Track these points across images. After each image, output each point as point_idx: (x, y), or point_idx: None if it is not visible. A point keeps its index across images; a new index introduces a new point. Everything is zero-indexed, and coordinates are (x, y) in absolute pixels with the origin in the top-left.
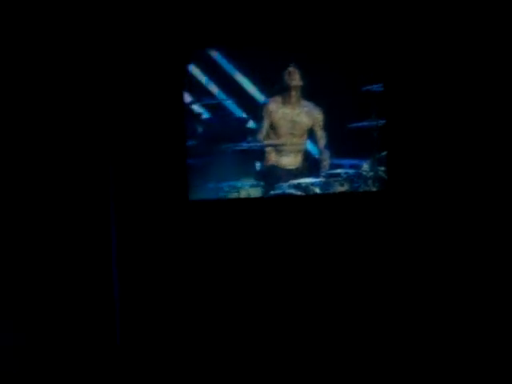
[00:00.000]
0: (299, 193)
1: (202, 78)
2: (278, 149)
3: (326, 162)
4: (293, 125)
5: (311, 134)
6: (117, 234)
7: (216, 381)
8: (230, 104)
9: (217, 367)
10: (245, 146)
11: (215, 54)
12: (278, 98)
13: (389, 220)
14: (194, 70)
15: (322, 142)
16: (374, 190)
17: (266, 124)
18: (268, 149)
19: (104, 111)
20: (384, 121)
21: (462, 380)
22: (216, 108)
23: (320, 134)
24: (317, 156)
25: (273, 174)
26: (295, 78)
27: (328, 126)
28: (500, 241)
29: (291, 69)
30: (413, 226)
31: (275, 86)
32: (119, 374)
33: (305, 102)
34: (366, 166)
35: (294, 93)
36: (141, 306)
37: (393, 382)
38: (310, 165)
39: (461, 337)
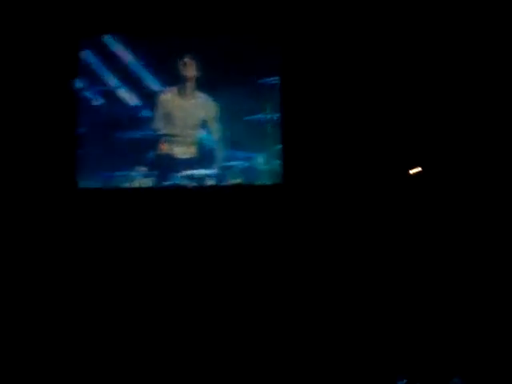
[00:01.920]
0: (193, 184)
1: (96, 65)
2: (172, 139)
3: (221, 154)
4: (187, 115)
5: (206, 126)
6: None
7: None
8: (124, 92)
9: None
10: (138, 134)
11: (110, 41)
12: (174, 89)
13: (284, 213)
14: (87, 56)
15: (217, 134)
16: (269, 183)
17: (159, 114)
18: (161, 139)
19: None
20: (279, 114)
21: None
22: (109, 95)
23: (215, 126)
24: (211, 147)
25: (166, 164)
26: (190, 69)
27: (223, 119)
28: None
29: (187, 59)
30: (308, 220)
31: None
32: None
33: (200, 94)
34: (261, 159)
35: (189, 84)
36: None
37: None
38: (205, 156)
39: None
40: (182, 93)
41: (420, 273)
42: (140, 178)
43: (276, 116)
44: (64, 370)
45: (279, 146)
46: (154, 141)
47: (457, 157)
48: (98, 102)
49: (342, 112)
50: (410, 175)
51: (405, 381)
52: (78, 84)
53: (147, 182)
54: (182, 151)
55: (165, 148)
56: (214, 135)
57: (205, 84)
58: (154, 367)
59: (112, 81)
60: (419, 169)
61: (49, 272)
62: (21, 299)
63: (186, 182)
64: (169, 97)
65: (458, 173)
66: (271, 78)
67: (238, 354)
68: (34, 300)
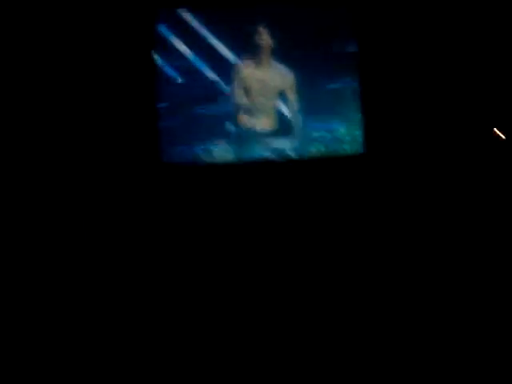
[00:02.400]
0: (274, 157)
1: (173, 40)
2: (251, 111)
3: (300, 125)
4: (264, 87)
5: (284, 96)
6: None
7: None
8: (202, 66)
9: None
10: (216, 108)
11: (186, 15)
12: (250, 61)
13: (367, 184)
14: (164, 31)
15: (296, 104)
16: (351, 153)
17: (237, 86)
18: (240, 111)
19: (77, 73)
20: (358, 82)
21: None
22: (188, 70)
23: (293, 96)
24: (291, 118)
25: (245, 137)
26: (265, 38)
27: (301, 89)
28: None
29: (261, 29)
30: (391, 190)
31: (247, 48)
32: None
33: (277, 64)
34: (341, 129)
35: (264, 54)
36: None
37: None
38: (284, 127)
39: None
40: (257, 64)
41: None
42: (220, 152)
43: (355, 84)
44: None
45: (360, 115)
46: (233, 114)
47: None
48: (175, 76)
49: (423, 78)
50: (497, 139)
51: None
52: (157, 59)
53: (227, 156)
54: (261, 123)
55: (244, 121)
56: (292, 106)
57: (281, 54)
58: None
59: (189, 55)
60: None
61: (129, 245)
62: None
63: (266, 155)
64: (245, 69)
65: None
66: (349, 46)
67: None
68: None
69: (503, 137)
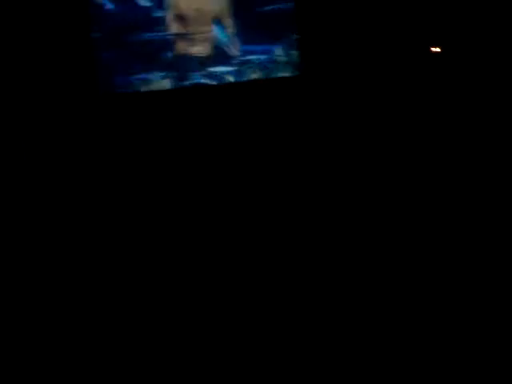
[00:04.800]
0: (213, 82)
1: None
2: (187, 38)
3: (237, 49)
4: (199, 13)
5: (220, 21)
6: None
7: None
8: None
9: None
10: (152, 36)
11: None
12: None
13: (305, 104)
14: None
15: (231, 28)
16: (288, 75)
17: (171, 14)
18: (177, 38)
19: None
20: (293, 3)
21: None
22: None
23: (228, 20)
24: (227, 43)
25: (183, 64)
26: None
27: (237, 12)
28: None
29: None
30: (328, 111)
31: None
32: None
33: None
34: (278, 51)
35: None
36: None
37: None
38: (221, 53)
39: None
40: None
41: None
42: (158, 80)
43: (290, 5)
44: None
45: (296, 36)
46: (169, 41)
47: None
48: (109, 5)
49: None
50: (431, 54)
51: None
52: None
53: (165, 84)
54: (197, 50)
55: (180, 48)
56: (228, 30)
57: None
58: None
59: None
60: (438, 49)
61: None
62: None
63: (204, 81)
64: None
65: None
66: None
67: None
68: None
69: (438, 50)
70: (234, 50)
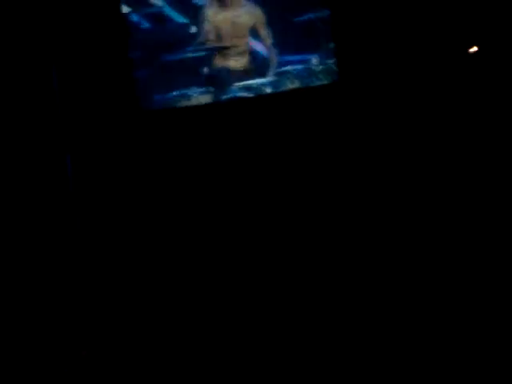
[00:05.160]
0: (251, 95)
1: None
2: (224, 52)
3: (274, 60)
4: (234, 26)
5: (255, 34)
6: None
7: None
8: (169, 10)
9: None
10: (189, 52)
11: None
12: (214, 2)
13: (343, 112)
14: None
15: (268, 40)
16: (326, 83)
17: (205, 29)
18: (213, 53)
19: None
20: (328, 11)
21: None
22: (156, 16)
23: (264, 32)
24: (264, 55)
25: (221, 78)
26: None
27: (271, 23)
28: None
29: None
30: (367, 117)
31: None
32: None
33: (243, 1)
34: (315, 60)
35: None
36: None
37: None
38: (259, 65)
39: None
40: (223, 5)
41: None
42: (197, 96)
43: (326, 13)
44: None
45: (332, 44)
46: (206, 57)
47: None
48: (145, 24)
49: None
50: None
51: None
52: (125, 8)
53: (205, 99)
54: (235, 63)
55: (217, 62)
56: (264, 42)
57: None
58: None
59: (156, 1)
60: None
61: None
62: None
63: (243, 94)
64: (211, 11)
65: None
66: None
67: None
68: None
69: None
70: (271, 61)
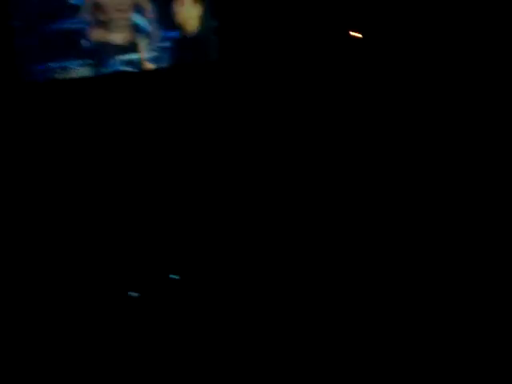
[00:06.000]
0: (132, 69)
1: None
2: (105, 25)
3: (156, 35)
4: (117, 0)
5: (139, 8)
6: None
7: None
8: None
9: None
10: (70, 23)
11: None
12: None
13: (224, 89)
14: None
15: (151, 15)
16: (208, 60)
17: (88, 3)
18: (95, 25)
19: None
20: None
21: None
22: None
23: (148, 7)
24: (147, 30)
25: (102, 52)
26: None
27: None
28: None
29: None
30: (248, 94)
31: None
32: None
33: None
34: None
35: None
36: None
37: None
38: (140, 39)
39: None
40: None
41: None
42: (77, 68)
43: None
44: None
45: (214, 22)
46: (88, 29)
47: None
48: None
49: None
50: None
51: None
52: None
53: (85, 72)
54: (117, 37)
55: (99, 35)
56: (147, 17)
57: None
58: None
59: None
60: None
61: None
62: None
63: (124, 68)
64: None
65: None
66: None
67: None
68: None
69: (359, 36)
70: (154, 36)
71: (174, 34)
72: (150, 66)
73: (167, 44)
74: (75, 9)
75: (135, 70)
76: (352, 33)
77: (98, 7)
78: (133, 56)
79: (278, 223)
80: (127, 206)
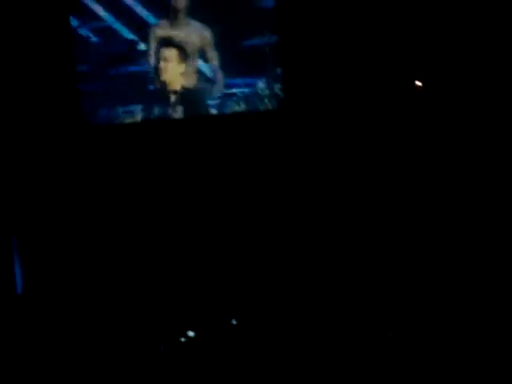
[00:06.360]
0: (196, 114)
1: (90, 2)
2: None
3: (221, 82)
4: (184, 46)
5: (203, 54)
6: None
7: None
8: (119, 26)
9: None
10: (136, 68)
11: None
12: (165, 22)
13: (287, 138)
14: None
15: (215, 61)
16: (271, 108)
17: (154, 48)
18: (160, 71)
19: None
20: (277, 37)
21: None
22: (105, 31)
23: (211, 53)
24: (210, 76)
25: (167, 96)
26: (181, 1)
27: (219, 45)
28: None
29: None
30: (311, 144)
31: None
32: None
33: (193, 22)
34: (261, 85)
35: (180, 14)
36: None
37: None
38: (205, 86)
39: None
40: (174, 24)
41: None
42: (141, 112)
43: (273, 39)
44: None
45: (279, 70)
46: (152, 74)
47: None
48: (94, 38)
49: (341, 30)
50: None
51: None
52: (73, 22)
53: (148, 115)
54: (182, 82)
55: (164, 80)
56: (211, 63)
57: (197, 11)
58: None
59: (106, 16)
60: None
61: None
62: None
63: (188, 113)
64: (161, 31)
65: None
66: (266, 1)
67: None
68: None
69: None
70: (217, 82)
71: (237, 81)
72: (213, 111)
73: (231, 91)
74: (141, 54)
75: (199, 116)
76: (416, 83)
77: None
78: (196, 102)
79: None
80: (193, 251)
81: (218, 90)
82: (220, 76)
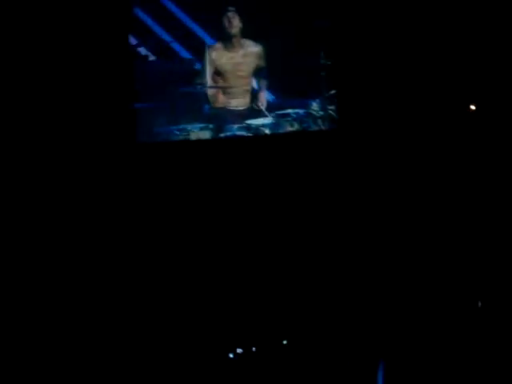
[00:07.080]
0: (249, 134)
1: (148, 20)
2: (226, 91)
3: (275, 102)
4: (238, 67)
5: (258, 75)
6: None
7: None
8: (177, 46)
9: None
10: (193, 88)
11: None
12: (219, 45)
13: (341, 158)
14: (139, 12)
15: (270, 82)
16: (325, 129)
17: (210, 70)
18: (216, 91)
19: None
20: (332, 59)
21: None
22: (162, 50)
23: (267, 74)
24: (265, 97)
25: (222, 116)
26: (235, 24)
27: (275, 66)
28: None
29: (230, 14)
30: (365, 165)
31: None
32: None
33: (249, 43)
34: (315, 105)
35: (235, 37)
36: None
37: None
38: (259, 106)
39: None
40: (228, 46)
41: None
42: (196, 132)
43: (329, 61)
44: None
45: (333, 91)
46: (209, 94)
47: None
48: (151, 57)
49: (397, 54)
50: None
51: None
52: (133, 41)
53: (204, 135)
54: (236, 102)
55: (220, 100)
56: (266, 83)
57: (253, 32)
58: None
59: (165, 36)
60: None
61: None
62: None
63: (242, 133)
64: (216, 54)
65: None
66: (323, 22)
67: None
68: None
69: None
70: (272, 102)
71: (291, 101)
72: (266, 131)
73: (285, 111)
74: (197, 74)
75: (252, 135)
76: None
77: (219, 73)
78: (250, 122)
79: None
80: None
81: (272, 110)
82: (274, 97)
